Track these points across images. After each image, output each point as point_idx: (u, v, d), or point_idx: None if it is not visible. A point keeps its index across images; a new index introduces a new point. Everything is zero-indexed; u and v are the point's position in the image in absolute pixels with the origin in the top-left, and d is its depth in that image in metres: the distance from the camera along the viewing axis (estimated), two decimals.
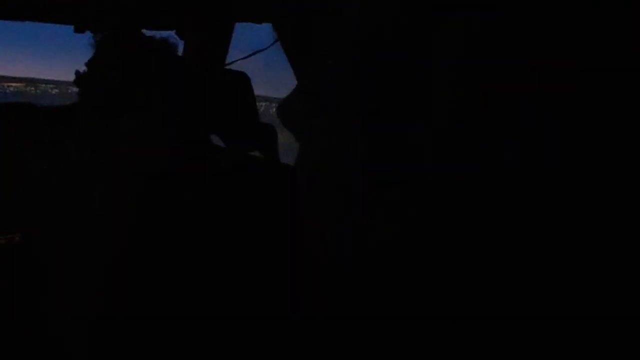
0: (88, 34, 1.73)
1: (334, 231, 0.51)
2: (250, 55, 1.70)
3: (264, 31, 2.00)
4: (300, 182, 0.54)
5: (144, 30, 1.53)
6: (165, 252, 1.10)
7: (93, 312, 1.03)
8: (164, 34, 1.46)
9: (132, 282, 1.07)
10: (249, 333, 1.01)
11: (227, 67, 1.94)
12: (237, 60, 1.77)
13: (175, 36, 1.75)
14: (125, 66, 1.27)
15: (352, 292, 0.52)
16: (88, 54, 1.41)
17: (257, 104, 1.68)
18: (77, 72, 1.35)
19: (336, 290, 0.53)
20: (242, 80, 1.58)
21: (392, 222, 0.47)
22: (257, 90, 1.71)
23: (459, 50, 0.41)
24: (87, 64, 1.33)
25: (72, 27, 1.82)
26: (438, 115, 0.43)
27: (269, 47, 1.62)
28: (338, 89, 0.52)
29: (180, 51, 1.47)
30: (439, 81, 0.42)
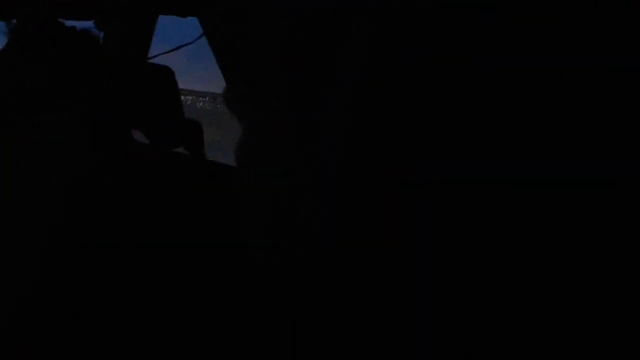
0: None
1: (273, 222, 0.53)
2: (174, 49, 1.66)
3: (189, 24, 1.97)
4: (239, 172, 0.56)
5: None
6: (91, 250, 1.09)
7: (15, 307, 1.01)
8: (84, 24, 1.42)
9: (57, 283, 1.06)
10: (174, 329, 1.02)
11: (151, 60, 1.89)
12: (161, 54, 1.74)
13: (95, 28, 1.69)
14: (44, 59, 1.23)
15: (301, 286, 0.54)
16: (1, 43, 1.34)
17: (183, 98, 1.65)
18: None
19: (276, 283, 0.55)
20: (166, 75, 1.55)
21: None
22: (182, 84, 1.68)
23: (361, 55, 0.44)
24: None
25: None
26: (341, 110, 0.46)
27: (194, 41, 1.59)
28: (266, 83, 0.54)
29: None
30: (342, 81, 0.45)
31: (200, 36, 1.60)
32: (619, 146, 0.57)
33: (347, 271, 0.52)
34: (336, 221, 0.52)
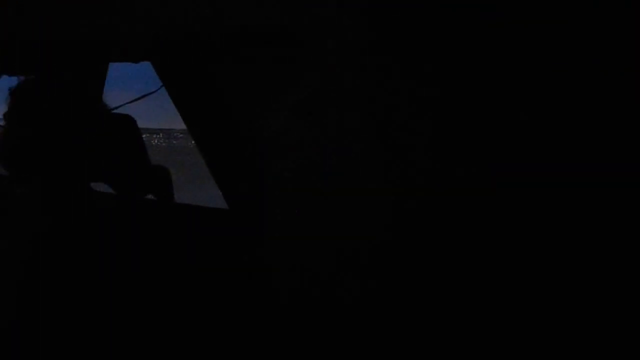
0: None
1: None
2: (139, 98, 1.65)
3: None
4: None
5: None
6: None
7: None
8: None
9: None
10: None
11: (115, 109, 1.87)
12: (126, 104, 1.72)
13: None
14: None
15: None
16: None
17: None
18: None
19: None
20: (127, 123, 1.53)
21: None
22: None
23: None
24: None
25: None
26: None
27: (159, 89, 1.58)
28: None
29: None
30: None
31: (162, 86, 1.60)
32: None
33: None
34: None
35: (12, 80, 1.59)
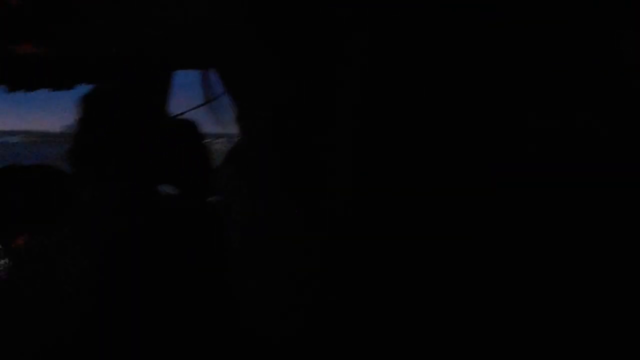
0: None
1: None
2: (202, 105, 1.70)
3: None
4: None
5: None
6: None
7: None
8: None
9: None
10: None
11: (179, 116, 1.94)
12: (190, 110, 1.78)
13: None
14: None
15: None
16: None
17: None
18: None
19: None
20: (189, 128, 1.59)
21: None
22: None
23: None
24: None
25: None
26: None
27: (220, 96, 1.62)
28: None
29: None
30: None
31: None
32: None
33: None
34: None
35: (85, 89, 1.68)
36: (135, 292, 1.15)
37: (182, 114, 1.81)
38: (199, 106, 1.68)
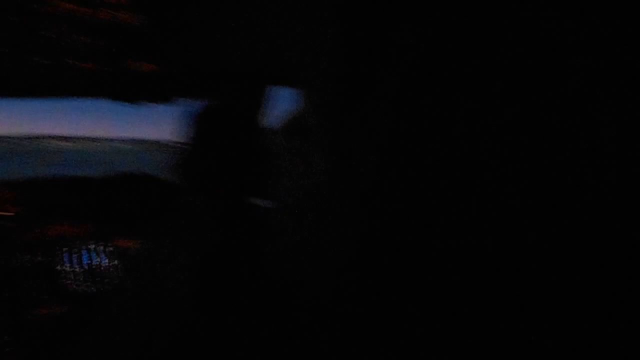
0: None
1: None
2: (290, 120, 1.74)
3: None
4: None
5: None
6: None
7: None
8: None
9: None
10: None
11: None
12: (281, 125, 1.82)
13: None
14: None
15: None
16: None
17: None
18: None
19: None
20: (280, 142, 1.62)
21: None
22: None
23: None
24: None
25: None
26: None
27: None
28: None
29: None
30: None
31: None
32: None
33: None
34: None
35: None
36: (228, 297, 1.19)
37: (274, 128, 1.85)
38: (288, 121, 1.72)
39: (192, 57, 1.73)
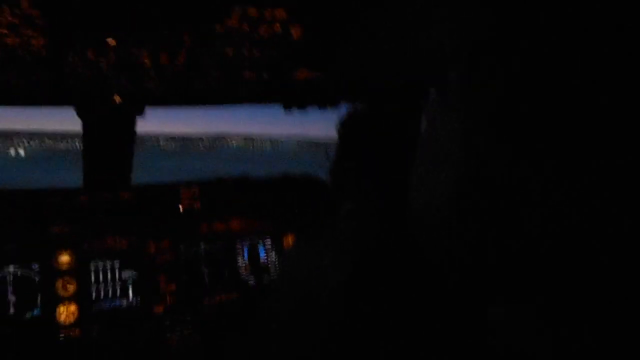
0: None
1: None
2: None
3: None
4: None
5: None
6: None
7: None
8: None
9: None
10: None
11: None
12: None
13: None
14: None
15: None
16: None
17: None
18: None
19: None
20: None
21: None
22: None
23: None
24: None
25: None
26: None
27: None
28: None
29: None
30: None
31: None
32: None
33: None
34: None
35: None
36: (378, 304, 1.19)
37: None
38: None
39: (352, 66, 1.78)
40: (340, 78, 1.89)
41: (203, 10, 1.32)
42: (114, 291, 2.48)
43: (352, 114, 1.58)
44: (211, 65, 1.67)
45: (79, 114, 2.38)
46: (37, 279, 2.37)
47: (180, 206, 2.71)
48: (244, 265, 2.78)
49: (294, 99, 2.17)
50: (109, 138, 2.55)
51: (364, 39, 1.56)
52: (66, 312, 2.36)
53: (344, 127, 1.58)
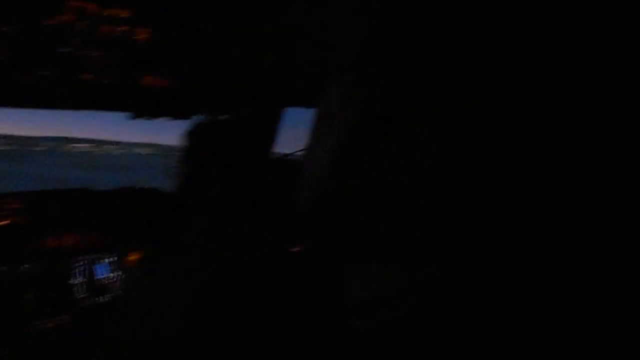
0: None
1: None
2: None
3: None
4: None
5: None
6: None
7: None
8: None
9: None
10: None
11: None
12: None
13: None
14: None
15: None
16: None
17: None
18: None
19: None
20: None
21: None
22: None
23: None
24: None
25: None
26: None
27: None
28: None
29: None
30: None
31: None
32: None
33: None
34: None
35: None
36: (232, 328, 1.13)
37: (290, 154, 1.80)
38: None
39: (205, 74, 1.70)
40: (196, 87, 1.79)
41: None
42: None
43: (202, 125, 1.49)
44: (40, 62, 1.48)
45: None
46: None
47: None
48: (78, 284, 2.51)
49: (142, 107, 2.02)
50: None
51: (224, 47, 1.49)
52: None
53: (193, 140, 1.48)
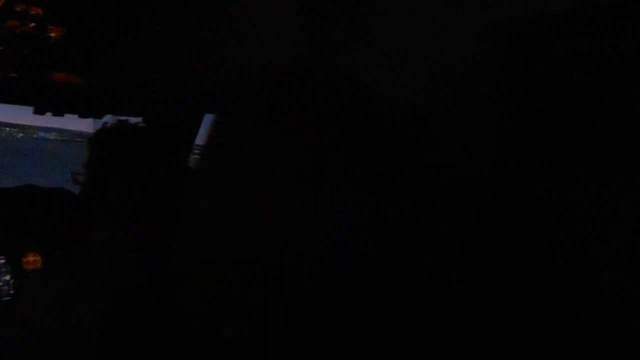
0: None
1: None
2: None
3: None
4: None
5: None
6: None
7: None
8: None
9: None
10: None
11: None
12: None
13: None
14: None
15: None
16: None
17: None
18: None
19: None
20: None
21: None
22: None
23: None
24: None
25: None
26: None
27: None
28: None
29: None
30: None
31: None
32: None
33: None
34: None
35: None
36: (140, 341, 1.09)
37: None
38: None
39: (119, 75, 1.65)
40: (107, 86, 1.73)
41: None
42: None
43: (110, 127, 1.41)
44: None
45: None
46: None
47: None
48: None
49: (48, 103, 1.91)
50: None
51: (140, 47, 1.44)
52: None
53: (102, 143, 1.39)
